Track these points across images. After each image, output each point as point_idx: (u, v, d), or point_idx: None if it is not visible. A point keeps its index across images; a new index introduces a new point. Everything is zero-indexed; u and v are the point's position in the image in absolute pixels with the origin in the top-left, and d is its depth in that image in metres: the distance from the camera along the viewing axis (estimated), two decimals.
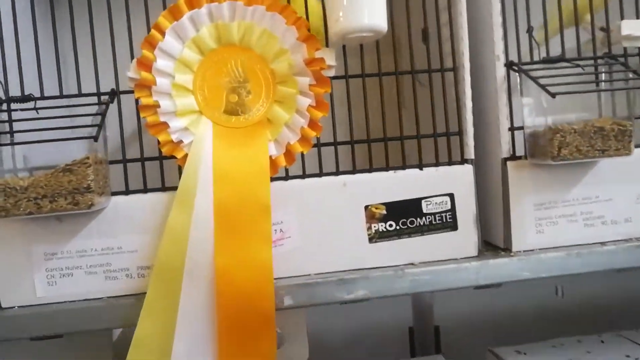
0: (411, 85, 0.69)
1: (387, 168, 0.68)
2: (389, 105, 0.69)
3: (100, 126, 0.58)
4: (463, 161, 0.69)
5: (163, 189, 0.65)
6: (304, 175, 0.67)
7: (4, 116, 0.61)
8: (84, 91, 0.64)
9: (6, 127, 0.61)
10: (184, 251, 0.61)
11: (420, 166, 0.68)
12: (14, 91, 0.62)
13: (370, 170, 0.68)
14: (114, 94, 0.64)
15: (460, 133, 0.69)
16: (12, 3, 0.63)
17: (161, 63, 0.62)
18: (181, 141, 0.63)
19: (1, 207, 0.57)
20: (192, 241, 0.61)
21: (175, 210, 0.61)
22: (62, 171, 0.57)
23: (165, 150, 0.63)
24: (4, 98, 0.62)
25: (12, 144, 0.59)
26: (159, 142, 0.63)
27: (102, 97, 0.64)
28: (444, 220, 0.68)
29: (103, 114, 0.59)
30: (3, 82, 0.62)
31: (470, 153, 0.69)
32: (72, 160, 0.57)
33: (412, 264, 0.68)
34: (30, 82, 0.63)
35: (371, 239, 0.67)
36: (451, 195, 0.68)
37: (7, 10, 0.63)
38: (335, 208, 0.66)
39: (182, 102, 0.63)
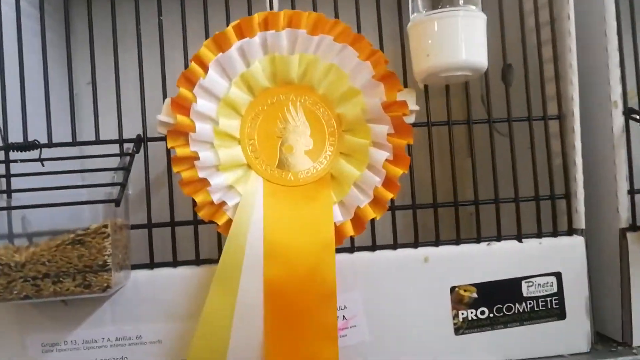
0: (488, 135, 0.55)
1: (478, 239, 0.54)
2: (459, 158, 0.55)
3: (124, 185, 0.44)
4: (571, 231, 0.55)
5: (197, 262, 0.51)
6: (374, 247, 0.53)
7: (2, 168, 0.48)
8: (102, 137, 0.51)
9: (2, 180, 0.49)
10: (225, 348, 0.46)
11: (519, 237, 0.54)
12: (15, 137, 0.50)
13: (457, 241, 0.54)
14: (140, 141, 0.51)
15: (568, 196, 0.55)
16: (17, 30, 0.51)
17: (202, 104, 0.49)
18: (224, 203, 0.49)
19: None
20: (235, 335, 0.46)
21: (214, 292, 0.47)
22: (71, 243, 0.44)
23: (203, 214, 0.49)
24: (1, 145, 0.49)
25: (9, 208, 0.45)
26: (194, 204, 0.50)
27: (125, 146, 0.51)
28: (549, 307, 0.54)
29: (127, 169, 0.46)
30: (2, 127, 0.49)
31: (581, 222, 0.55)
32: (85, 227, 0.44)
33: None
34: (38, 127, 0.50)
35: (458, 330, 0.53)
36: (558, 275, 0.54)
37: (12, 38, 0.50)
38: (414, 290, 0.52)
39: (227, 154, 0.50)
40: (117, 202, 0.43)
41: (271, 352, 0.46)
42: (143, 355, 0.50)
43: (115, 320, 0.49)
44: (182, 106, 0.49)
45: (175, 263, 0.51)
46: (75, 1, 0.60)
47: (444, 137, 0.57)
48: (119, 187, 0.44)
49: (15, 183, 0.48)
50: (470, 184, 0.55)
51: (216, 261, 0.51)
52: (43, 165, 0.47)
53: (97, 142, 0.51)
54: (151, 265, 0.51)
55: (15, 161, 0.48)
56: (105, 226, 0.44)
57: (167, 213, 0.52)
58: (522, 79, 0.56)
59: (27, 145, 0.49)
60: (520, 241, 0.54)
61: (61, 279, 0.44)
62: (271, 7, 0.54)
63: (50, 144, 0.50)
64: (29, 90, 0.50)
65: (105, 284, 0.44)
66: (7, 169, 0.49)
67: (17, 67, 0.50)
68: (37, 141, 0.49)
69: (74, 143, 0.50)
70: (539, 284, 0.54)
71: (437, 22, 0.47)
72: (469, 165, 0.55)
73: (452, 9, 0.48)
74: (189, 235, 0.52)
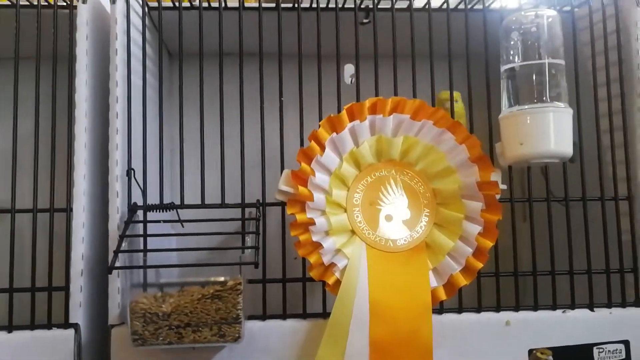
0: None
1: (554, 306, 0.59)
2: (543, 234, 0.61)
3: (259, 248, 0.51)
4: (639, 303, 0.60)
5: (304, 315, 0.57)
6: (460, 309, 0.59)
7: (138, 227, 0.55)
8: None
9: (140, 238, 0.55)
10: None
11: (591, 306, 0.60)
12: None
13: (535, 307, 0.59)
14: (260, 206, 0.58)
15: (636, 270, 0.61)
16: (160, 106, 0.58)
17: (319, 177, 0.56)
18: (333, 264, 0.56)
19: (139, 334, 0.50)
20: None
21: (325, 345, 0.53)
22: (210, 297, 0.50)
23: (314, 274, 0.56)
24: (140, 204, 0.56)
25: (159, 266, 0.52)
26: (303, 264, 0.57)
27: (246, 209, 0.58)
28: None
29: (258, 233, 0.53)
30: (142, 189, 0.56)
31: None
32: (222, 283, 0.50)
33: None
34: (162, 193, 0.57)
35: None
36: (626, 343, 0.59)
37: (153, 114, 0.58)
38: (495, 351, 0.58)
39: (336, 220, 0.56)
40: (256, 265, 0.49)
41: None
42: None
43: None
44: (302, 179, 0.56)
45: (284, 316, 0.57)
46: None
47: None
48: (253, 251, 0.51)
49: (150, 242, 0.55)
50: (546, 255, 0.61)
51: (321, 315, 0.57)
52: (183, 226, 0.54)
53: (222, 205, 0.58)
54: (264, 317, 0.57)
55: (158, 221, 0.55)
56: (240, 283, 0.51)
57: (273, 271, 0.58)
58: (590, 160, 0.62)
59: (165, 206, 0.56)
60: (592, 310, 0.60)
61: (200, 328, 0.50)
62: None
63: (182, 205, 0.57)
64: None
65: (237, 335, 0.51)
66: (144, 228, 0.56)
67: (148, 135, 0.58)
68: (173, 203, 0.56)
69: (202, 205, 0.57)
70: (609, 351, 0.59)
71: (530, 116, 0.54)
72: (546, 239, 0.61)
73: (543, 105, 0.54)
74: (297, 290, 0.58)
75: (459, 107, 0.63)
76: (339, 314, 0.54)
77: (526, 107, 0.55)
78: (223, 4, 0.60)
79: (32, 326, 0.55)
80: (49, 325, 0.55)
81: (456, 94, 0.63)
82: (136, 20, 0.60)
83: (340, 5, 0.61)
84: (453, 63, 0.61)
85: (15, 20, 0.57)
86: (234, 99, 0.59)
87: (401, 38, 0.60)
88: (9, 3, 0.58)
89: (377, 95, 0.60)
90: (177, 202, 0.57)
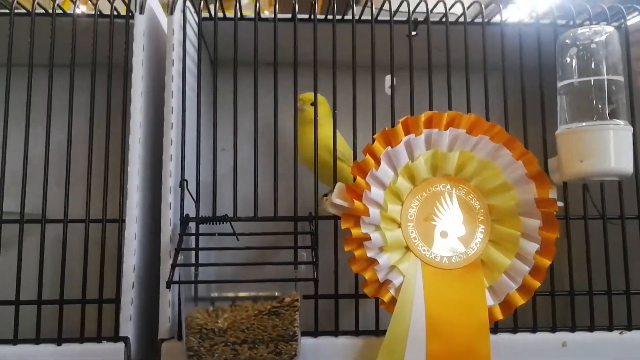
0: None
1: (610, 327, 0.58)
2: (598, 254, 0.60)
3: (317, 264, 0.50)
4: None
5: (356, 332, 0.56)
6: (515, 329, 0.57)
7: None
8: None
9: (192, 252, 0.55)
10: None
11: None
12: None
13: (591, 328, 0.58)
14: (312, 219, 0.57)
15: None
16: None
17: (375, 192, 0.55)
18: (388, 281, 0.55)
19: (194, 351, 0.49)
20: None
21: None
22: (267, 314, 0.49)
23: (368, 291, 0.55)
24: (192, 216, 0.56)
25: (220, 281, 0.51)
26: (356, 279, 0.56)
27: (298, 223, 0.57)
28: None
29: (314, 248, 0.52)
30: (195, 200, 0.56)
31: None
32: (279, 299, 0.50)
33: None
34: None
35: None
36: None
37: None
38: None
39: (391, 236, 0.55)
40: (316, 282, 0.48)
41: None
42: None
43: None
44: (357, 193, 0.55)
45: (337, 332, 0.56)
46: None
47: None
48: (312, 267, 0.50)
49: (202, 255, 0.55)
50: (601, 274, 0.60)
51: (374, 333, 0.56)
52: (238, 239, 0.53)
53: (275, 218, 0.57)
54: (315, 333, 0.56)
55: (212, 234, 0.54)
56: (297, 300, 0.50)
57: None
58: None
59: (218, 219, 0.55)
60: None
61: (256, 345, 0.49)
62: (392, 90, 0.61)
63: (235, 218, 0.56)
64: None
65: (294, 352, 0.50)
66: (197, 241, 0.55)
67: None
68: (227, 215, 0.55)
69: (255, 218, 0.57)
70: None
71: (591, 133, 0.54)
72: (602, 260, 0.60)
73: (603, 122, 0.54)
74: (349, 307, 0.57)
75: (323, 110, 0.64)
76: (395, 331, 0.53)
77: (585, 124, 0.54)
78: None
79: (82, 339, 0.54)
80: (98, 339, 0.54)
81: (321, 98, 0.63)
82: (189, 32, 0.59)
83: (374, 17, 0.61)
84: (489, 75, 0.61)
85: (71, 30, 0.57)
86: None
87: (436, 50, 0.60)
88: (64, 12, 0.59)
89: (411, 106, 0.60)
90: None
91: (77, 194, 0.58)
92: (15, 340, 0.54)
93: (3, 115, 0.57)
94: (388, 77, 0.76)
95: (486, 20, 0.62)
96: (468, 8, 0.63)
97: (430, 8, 0.62)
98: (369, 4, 0.61)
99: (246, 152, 0.60)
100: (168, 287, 0.50)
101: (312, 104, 0.62)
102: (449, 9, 0.62)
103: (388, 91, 0.75)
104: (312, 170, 0.59)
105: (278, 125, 0.59)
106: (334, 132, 0.60)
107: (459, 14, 0.63)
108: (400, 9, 0.63)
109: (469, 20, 0.62)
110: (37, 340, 0.54)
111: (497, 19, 0.64)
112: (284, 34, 0.59)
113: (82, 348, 0.54)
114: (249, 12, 0.62)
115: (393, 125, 0.59)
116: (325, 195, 0.61)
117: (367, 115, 0.60)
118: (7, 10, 0.58)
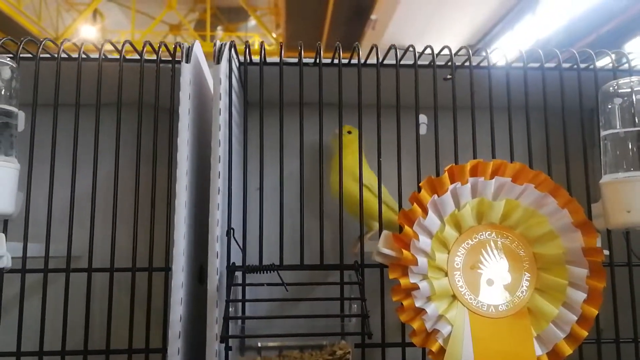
0: None
1: None
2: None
3: (367, 317, 0.50)
4: None
5: None
6: None
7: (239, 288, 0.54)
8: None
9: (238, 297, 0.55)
10: None
11: None
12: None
13: None
14: (358, 268, 0.57)
15: None
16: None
17: (423, 241, 0.55)
18: (436, 331, 0.54)
19: None
20: None
21: None
22: None
23: (417, 341, 0.55)
24: (240, 265, 0.56)
25: (273, 335, 0.51)
26: (402, 327, 0.56)
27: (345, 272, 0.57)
28: None
29: (363, 299, 0.52)
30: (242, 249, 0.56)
31: None
32: (322, 347, 0.50)
33: None
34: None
35: None
36: None
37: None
38: None
39: (439, 285, 0.55)
40: (369, 336, 0.48)
41: None
42: None
43: None
44: (405, 242, 0.55)
45: None
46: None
47: None
48: (360, 319, 0.50)
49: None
50: None
51: None
52: (287, 290, 0.53)
53: (321, 266, 0.57)
54: None
55: (261, 284, 0.54)
56: (349, 352, 0.50)
57: None
58: None
59: (265, 268, 0.55)
60: None
61: None
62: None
63: (282, 267, 0.56)
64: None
65: None
66: (243, 291, 0.55)
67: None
68: (273, 264, 0.55)
69: (302, 267, 0.57)
70: None
71: (637, 185, 0.54)
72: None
73: None
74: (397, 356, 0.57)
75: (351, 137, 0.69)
76: None
77: (630, 174, 0.55)
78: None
79: None
80: None
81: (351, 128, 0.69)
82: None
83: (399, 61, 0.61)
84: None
85: (118, 71, 0.58)
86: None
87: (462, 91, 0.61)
88: (114, 57, 0.59)
89: (455, 153, 0.61)
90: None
91: (120, 240, 0.58)
92: None
93: (51, 159, 0.58)
94: (421, 116, 0.77)
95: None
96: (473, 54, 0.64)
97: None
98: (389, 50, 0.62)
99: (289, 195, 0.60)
100: (222, 341, 0.49)
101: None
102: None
103: (422, 129, 0.76)
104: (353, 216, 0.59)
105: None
106: (379, 180, 0.60)
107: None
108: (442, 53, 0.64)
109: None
110: None
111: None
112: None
113: None
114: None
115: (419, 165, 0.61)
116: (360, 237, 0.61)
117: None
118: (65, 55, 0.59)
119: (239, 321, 0.55)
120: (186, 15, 5.88)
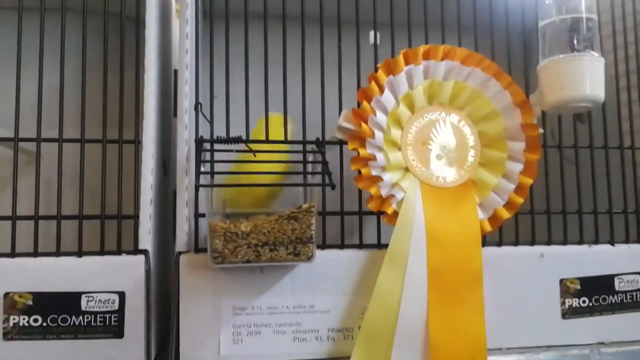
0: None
1: (581, 242, 0.66)
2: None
3: (330, 173, 0.55)
4: None
5: (360, 246, 0.61)
6: (500, 243, 0.64)
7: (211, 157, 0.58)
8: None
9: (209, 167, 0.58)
10: (394, 317, 0.56)
11: (612, 242, 0.66)
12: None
13: (565, 242, 0.65)
14: (320, 143, 0.61)
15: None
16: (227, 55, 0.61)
17: (379, 117, 0.60)
18: (391, 196, 0.60)
19: (219, 252, 0.52)
20: (404, 306, 0.56)
21: (385, 271, 0.57)
22: (287, 218, 0.53)
23: (372, 206, 0.60)
24: (208, 138, 0.59)
25: (244, 185, 0.55)
26: (359, 198, 0.61)
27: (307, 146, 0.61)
28: (635, 299, 0.66)
29: (325, 162, 0.56)
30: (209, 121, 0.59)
31: None
32: (298, 206, 0.54)
33: (602, 343, 0.64)
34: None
35: (564, 315, 0.64)
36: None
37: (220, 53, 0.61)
38: (531, 280, 0.63)
39: (393, 157, 0.60)
40: (333, 186, 0.53)
41: (434, 324, 0.56)
42: (314, 322, 0.59)
43: (294, 291, 0.58)
44: (362, 117, 0.60)
45: (342, 246, 0.61)
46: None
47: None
48: (326, 176, 0.54)
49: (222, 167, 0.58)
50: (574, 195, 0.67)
51: (375, 246, 0.61)
52: (255, 155, 0.57)
53: (285, 141, 0.61)
54: (323, 246, 0.60)
55: (231, 151, 0.57)
56: (313, 206, 0.54)
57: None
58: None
59: (231, 140, 0.58)
60: (613, 245, 0.66)
61: (276, 247, 0.53)
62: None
63: (248, 140, 0.59)
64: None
65: (310, 254, 0.54)
66: (212, 157, 0.58)
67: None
68: (240, 136, 0.59)
69: (267, 141, 0.60)
70: (628, 281, 0.66)
71: (570, 63, 0.60)
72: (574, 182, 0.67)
73: (580, 54, 0.60)
74: (354, 223, 0.62)
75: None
76: (398, 241, 0.58)
77: (563, 56, 0.61)
78: None
79: (102, 252, 0.57)
80: (118, 252, 0.57)
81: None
82: None
83: None
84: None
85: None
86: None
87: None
88: None
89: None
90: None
91: (96, 116, 0.60)
92: (35, 253, 0.56)
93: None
94: (371, 33, 0.81)
95: None
96: None
97: None
98: None
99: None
100: (196, 190, 0.53)
101: None
102: None
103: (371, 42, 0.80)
104: None
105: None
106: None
107: None
108: None
109: None
110: (57, 253, 0.56)
111: None
112: None
113: (103, 260, 0.56)
114: None
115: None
116: None
117: (352, 71, 0.64)
118: None
119: (210, 197, 0.58)
120: None
